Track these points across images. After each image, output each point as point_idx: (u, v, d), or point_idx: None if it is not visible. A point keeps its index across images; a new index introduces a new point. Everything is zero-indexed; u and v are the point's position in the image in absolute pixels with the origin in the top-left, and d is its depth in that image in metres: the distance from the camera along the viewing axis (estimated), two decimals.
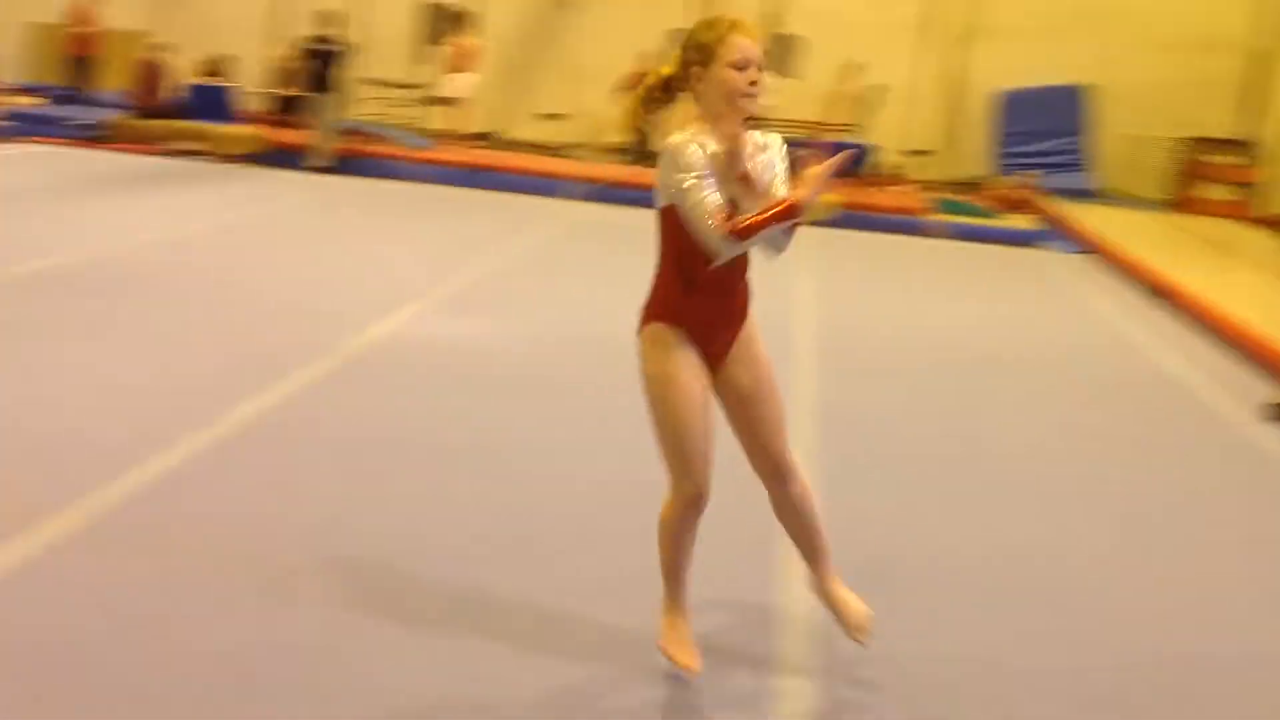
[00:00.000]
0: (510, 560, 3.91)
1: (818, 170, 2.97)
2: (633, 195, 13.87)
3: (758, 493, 3.32)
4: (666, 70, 3.15)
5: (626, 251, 10.54)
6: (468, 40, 15.70)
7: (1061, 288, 10.79)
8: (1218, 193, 18.13)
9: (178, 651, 3.14)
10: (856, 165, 16.09)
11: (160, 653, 3.13)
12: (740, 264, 3.17)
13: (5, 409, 4.90)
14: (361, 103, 16.56)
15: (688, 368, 3.12)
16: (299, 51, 14.44)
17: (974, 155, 19.01)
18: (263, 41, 15.97)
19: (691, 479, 3.12)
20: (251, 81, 17.54)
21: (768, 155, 3.15)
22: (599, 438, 5.26)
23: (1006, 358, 7.68)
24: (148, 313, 6.70)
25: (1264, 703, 3.46)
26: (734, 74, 3.01)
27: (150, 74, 14.93)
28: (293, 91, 16.13)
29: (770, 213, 2.99)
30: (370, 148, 14.98)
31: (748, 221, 2.99)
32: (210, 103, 16.14)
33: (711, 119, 3.06)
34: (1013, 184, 16.40)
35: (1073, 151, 18.37)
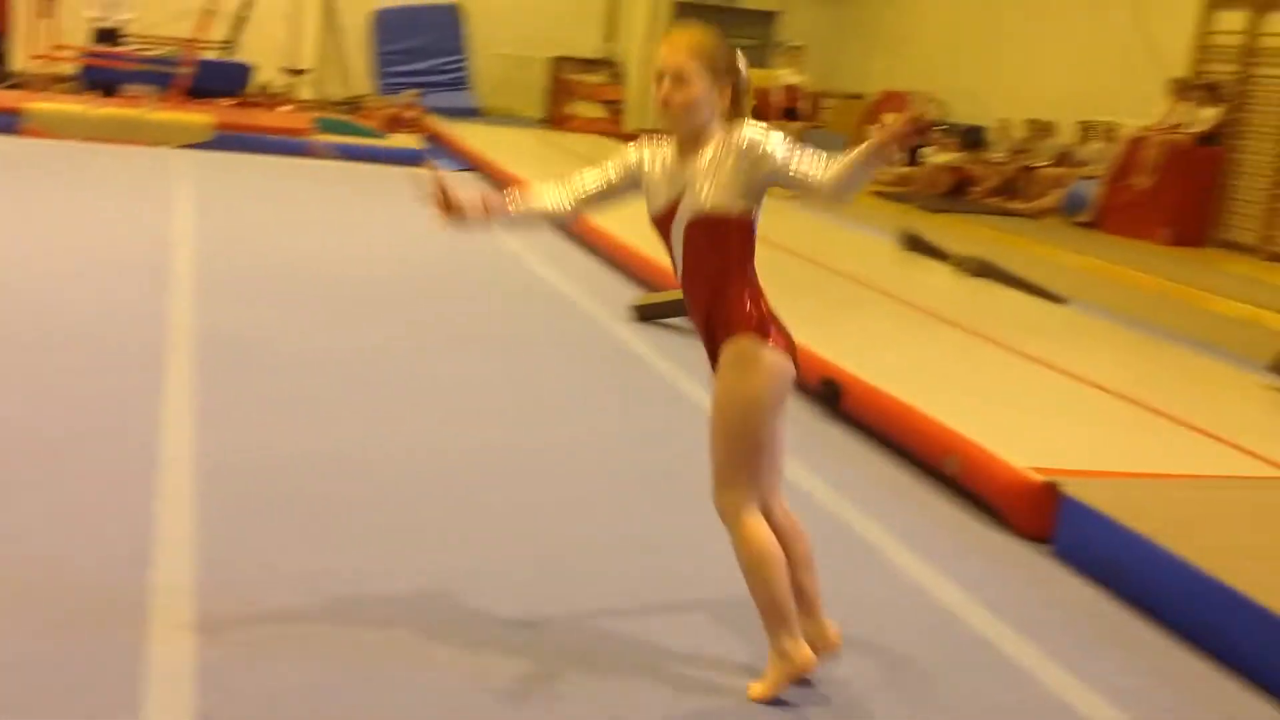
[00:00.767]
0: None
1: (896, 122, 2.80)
2: None
3: None
4: None
5: None
6: None
7: None
8: (588, 110, 19.27)
9: None
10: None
11: None
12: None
13: None
14: None
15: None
16: None
17: (355, 74, 18.94)
18: None
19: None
20: None
21: (733, 156, 2.96)
22: None
23: (400, 273, 7.75)
24: None
25: (638, 577, 3.74)
26: (654, 86, 2.97)
27: None
28: None
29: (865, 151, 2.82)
30: None
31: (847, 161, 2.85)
32: None
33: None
34: (395, 103, 16.51)
35: (452, 70, 18.77)
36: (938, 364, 6.13)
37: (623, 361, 6.30)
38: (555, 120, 19.08)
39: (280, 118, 14.75)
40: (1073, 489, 4.21)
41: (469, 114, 18.03)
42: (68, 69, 15.46)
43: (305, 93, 17.93)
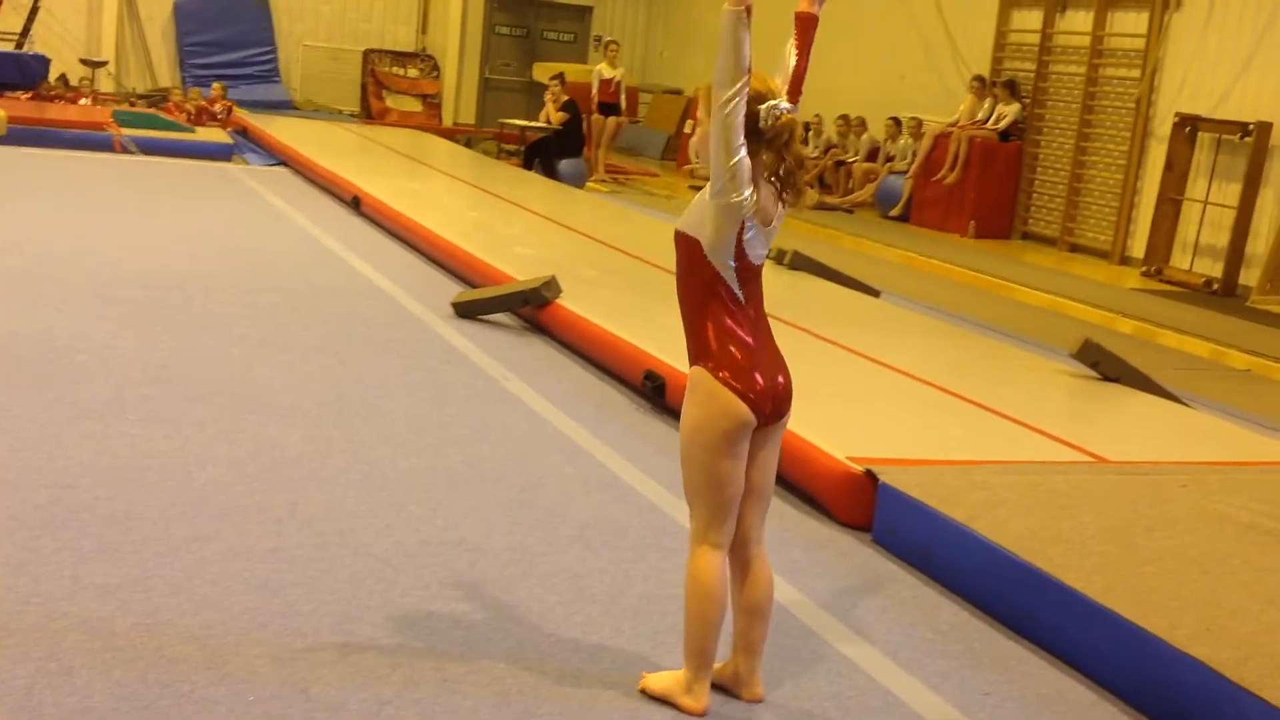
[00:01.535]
0: None
1: None
2: None
3: None
4: None
5: None
6: None
7: (257, 200, 10.74)
8: (405, 104, 19.01)
9: None
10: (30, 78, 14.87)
11: None
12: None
13: None
14: None
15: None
16: None
17: (158, 66, 18.32)
18: None
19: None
20: None
21: None
22: None
23: (204, 271, 7.50)
24: None
25: (454, 577, 3.69)
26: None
27: None
28: None
29: None
30: None
31: None
32: None
33: None
34: (201, 96, 16.03)
35: (260, 63, 18.31)
36: None
37: (444, 358, 6.21)
38: (370, 114, 18.76)
39: (79, 111, 14.15)
40: (889, 477, 4.31)
41: (280, 107, 17.62)
42: None
43: (106, 85, 17.26)
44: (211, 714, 2.80)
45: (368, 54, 19.16)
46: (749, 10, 2.80)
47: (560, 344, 6.57)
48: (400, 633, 3.30)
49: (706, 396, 2.94)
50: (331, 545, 3.80)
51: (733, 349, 2.95)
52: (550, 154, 14.17)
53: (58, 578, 3.37)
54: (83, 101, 15.13)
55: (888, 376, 5.98)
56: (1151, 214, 11.97)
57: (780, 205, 2.98)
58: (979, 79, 13.79)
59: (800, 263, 8.79)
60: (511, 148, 16.03)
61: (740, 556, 3.08)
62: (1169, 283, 11.41)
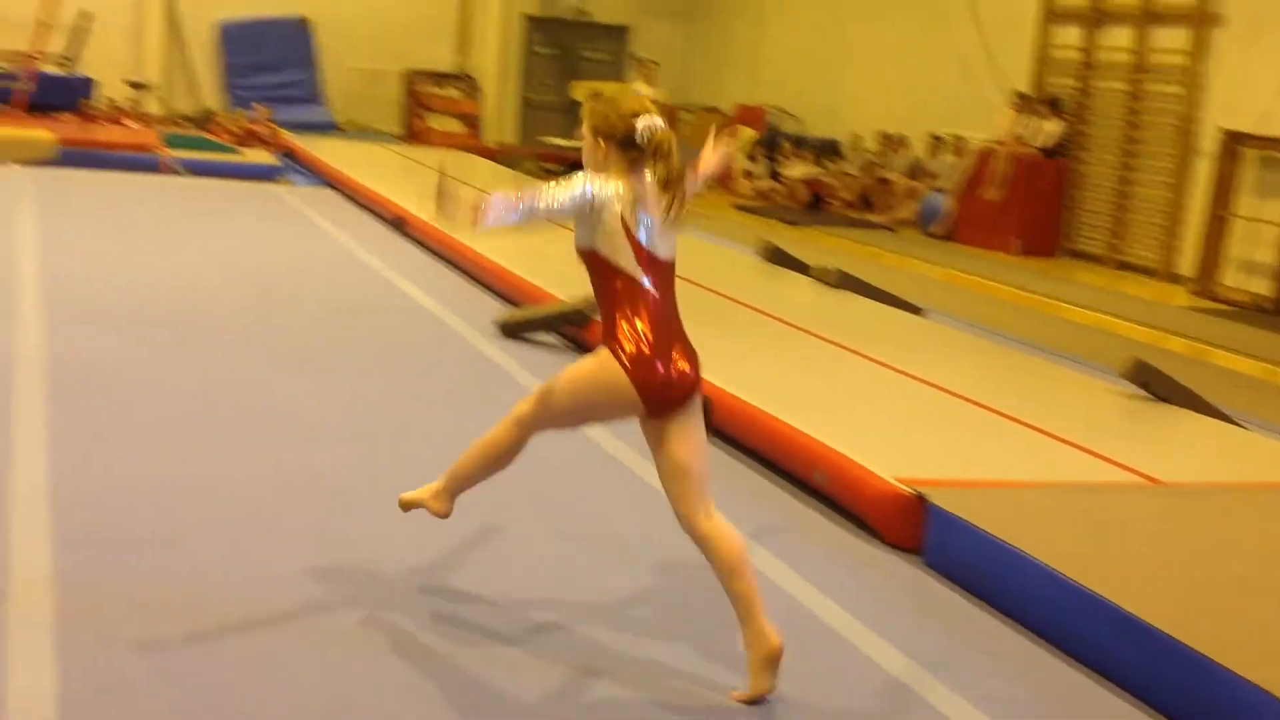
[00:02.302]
0: None
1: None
2: None
3: None
4: None
5: None
6: None
7: (303, 221, 10.82)
8: (445, 124, 19.10)
9: None
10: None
11: None
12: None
13: None
14: None
15: None
16: None
17: (203, 88, 18.49)
18: None
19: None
20: None
21: None
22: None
23: (250, 292, 7.55)
24: None
25: (493, 592, 3.69)
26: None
27: None
28: None
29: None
30: None
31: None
32: None
33: None
34: (246, 118, 16.17)
35: (303, 84, 18.44)
36: (802, 376, 6.19)
37: (488, 376, 6.22)
38: (412, 135, 18.86)
39: (127, 133, 14.31)
40: (939, 499, 4.27)
41: (324, 129, 17.74)
42: None
43: (152, 107, 17.45)
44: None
45: (408, 75, 19.29)
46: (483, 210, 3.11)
47: None
48: (442, 658, 3.29)
49: (601, 367, 3.24)
50: (382, 569, 3.80)
51: (638, 338, 3.22)
52: None
53: (112, 598, 3.39)
54: (129, 123, 15.28)
55: (934, 396, 5.94)
56: (1199, 231, 11.86)
57: (672, 208, 3.29)
58: (1021, 95, 13.72)
59: (844, 281, 8.76)
60: (552, 166, 16.08)
61: (697, 533, 3.23)
62: (1218, 300, 11.29)
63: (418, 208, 10.45)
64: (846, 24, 16.54)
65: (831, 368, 6.44)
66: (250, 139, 15.41)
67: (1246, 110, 11.54)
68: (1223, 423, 6.09)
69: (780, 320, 7.40)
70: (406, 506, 3.60)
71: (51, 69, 15.26)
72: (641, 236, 3.26)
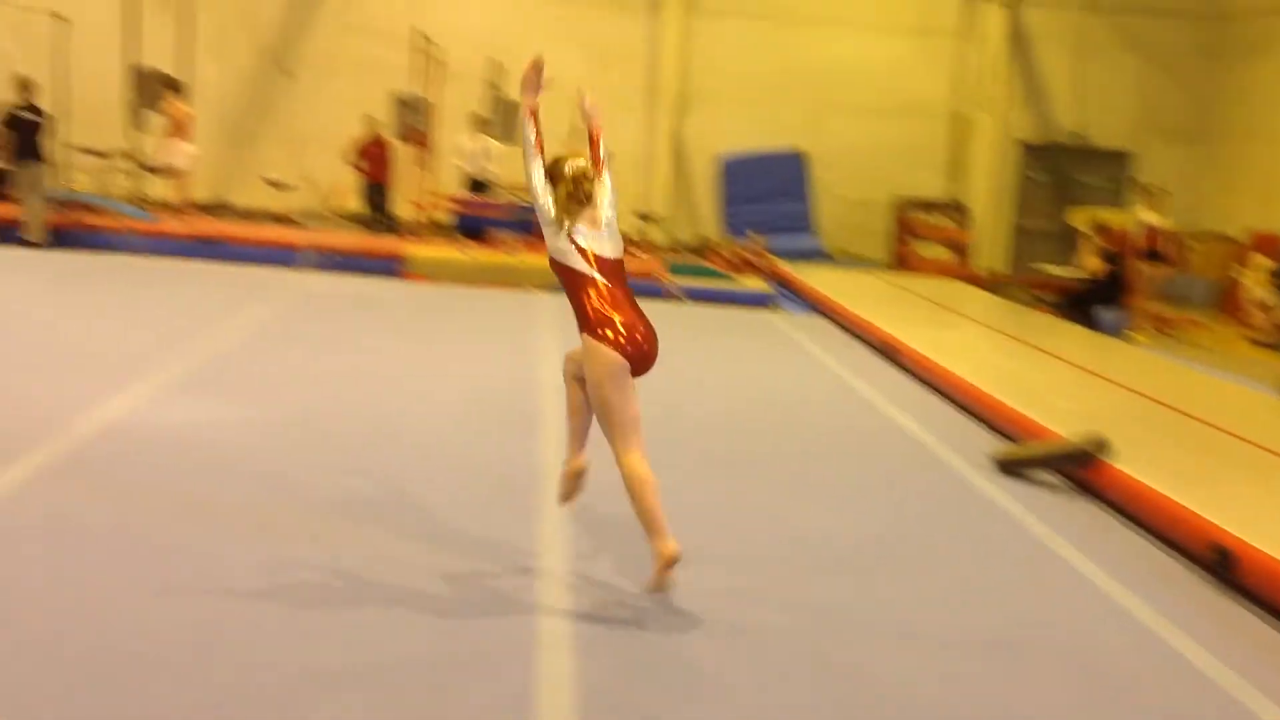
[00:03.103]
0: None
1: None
2: (366, 264, 13.63)
3: None
4: None
5: (362, 322, 10.35)
6: (181, 107, 15.13)
7: (794, 347, 11.08)
8: (933, 251, 19.09)
9: None
10: None
11: None
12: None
13: None
14: (72, 172, 15.75)
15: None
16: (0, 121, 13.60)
17: (702, 218, 19.49)
18: None
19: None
20: None
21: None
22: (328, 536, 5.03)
23: (747, 417, 7.79)
24: None
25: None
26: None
27: None
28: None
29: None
30: (86, 220, 14.24)
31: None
32: None
33: None
34: (741, 246, 16.84)
35: (796, 214, 19.02)
36: None
37: (982, 512, 6.07)
38: (899, 262, 18.98)
39: (633, 261, 15.27)
40: None
41: (815, 256, 18.18)
42: (442, 216, 16.58)
43: (656, 236, 18.56)
44: None
45: (897, 203, 19.48)
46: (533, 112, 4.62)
47: (1109, 506, 6.24)
48: None
49: (599, 355, 4.38)
50: (885, 705, 3.76)
51: (612, 324, 4.40)
52: (1089, 303, 13.73)
53: (634, 715, 3.53)
54: (637, 252, 16.31)
55: None
56: None
57: (596, 218, 4.58)
58: None
59: None
60: (1045, 295, 15.66)
61: (625, 466, 4.40)
62: None
63: (908, 335, 10.46)
64: None
65: None
66: (744, 266, 16.04)
67: None
68: None
69: None
70: (664, 575, 4.34)
71: None
72: (582, 240, 4.50)
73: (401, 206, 16.83)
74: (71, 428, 5.98)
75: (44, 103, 13.72)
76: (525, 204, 16.04)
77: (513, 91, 17.46)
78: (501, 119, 16.48)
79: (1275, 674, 4.33)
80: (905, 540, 5.53)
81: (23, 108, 13.45)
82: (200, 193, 17.10)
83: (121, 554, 4.46)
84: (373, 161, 16.60)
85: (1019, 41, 19.52)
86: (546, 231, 4.55)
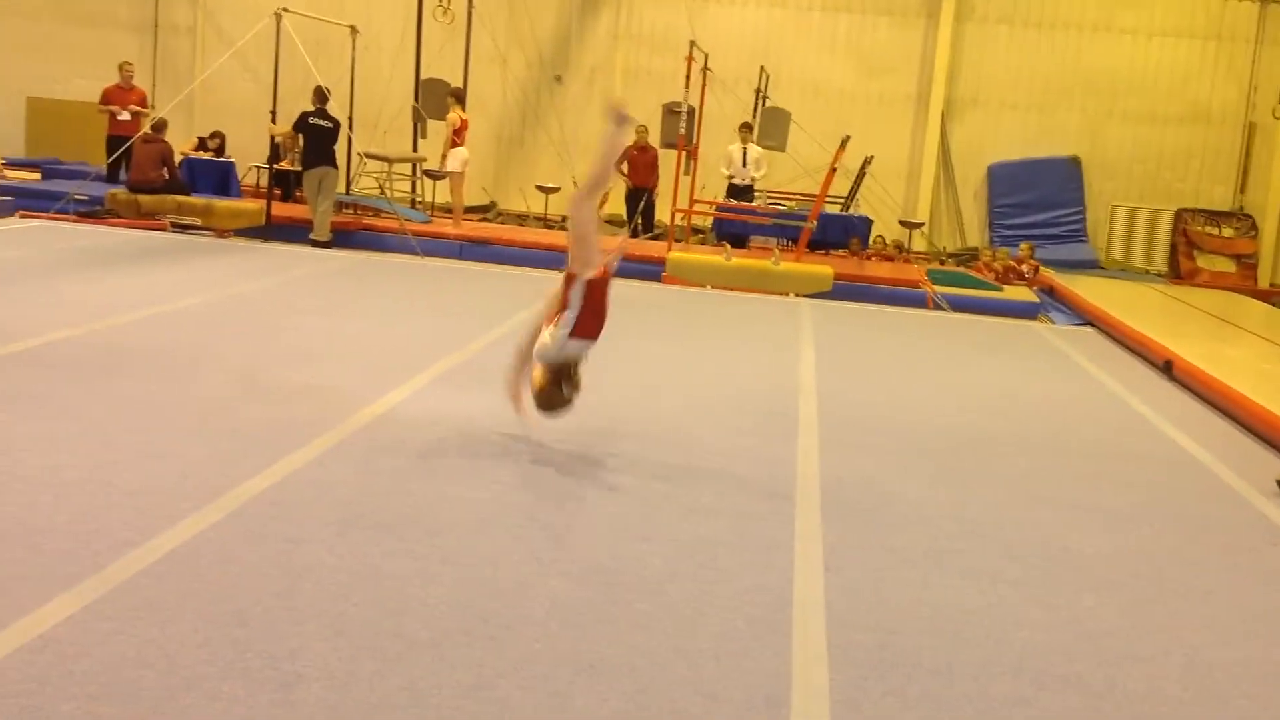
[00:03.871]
0: (498, 640, 3.80)
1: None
2: (632, 267, 13.88)
3: None
4: None
5: (623, 321, 10.50)
6: (460, 114, 15.74)
7: (1063, 360, 10.71)
8: (1216, 264, 18.18)
9: None
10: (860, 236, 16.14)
11: None
12: None
13: (4, 484, 4.81)
14: (359, 177, 16.62)
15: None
16: (296, 127, 14.46)
17: (969, 226, 19.09)
18: (259, 117, 16.03)
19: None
20: (249, 156, 17.61)
21: None
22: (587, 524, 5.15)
23: (1012, 429, 7.58)
24: (152, 387, 6.61)
25: None
26: None
27: (149, 149, 14.91)
28: (290, 166, 16.18)
29: None
30: (369, 222, 14.99)
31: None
32: (209, 177, 16.19)
33: None
34: (1008, 255, 16.40)
35: (1067, 223, 18.45)
36: None
37: (1271, 540, 5.73)
38: (1178, 275, 18.14)
39: (895, 269, 15.09)
40: None
41: (1084, 266, 17.58)
42: (703, 222, 16.74)
43: (918, 245, 18.28)
44: None
45: (1179, 213, 18.62)
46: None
47: None
48: None
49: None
50: None
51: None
52: None
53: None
54: (899, 260, 16.10)
55: None
56: None
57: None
58: None
59: None
60: None
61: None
62: None
63: (1186, 350, 9.98)
64: None
65: None
66: (1010, 276, 15.61)
67: None
68: None
69: None
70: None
71: (834, 210, 16.50)
72: None
73: (664, 212, 17.09)
74: (392, 409, 6.32)
75: (335, 110, 14.52)
76: (786, 210, 16.08)
77: (779, 99, 17.54)
78: (767, 126, 16.53)
79: None
80: (1178, 563, 5.27)
81: (317, 115, 14.27)
82: (473, 197, 17.76)
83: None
84: (637, 168, 16.89)
85: None
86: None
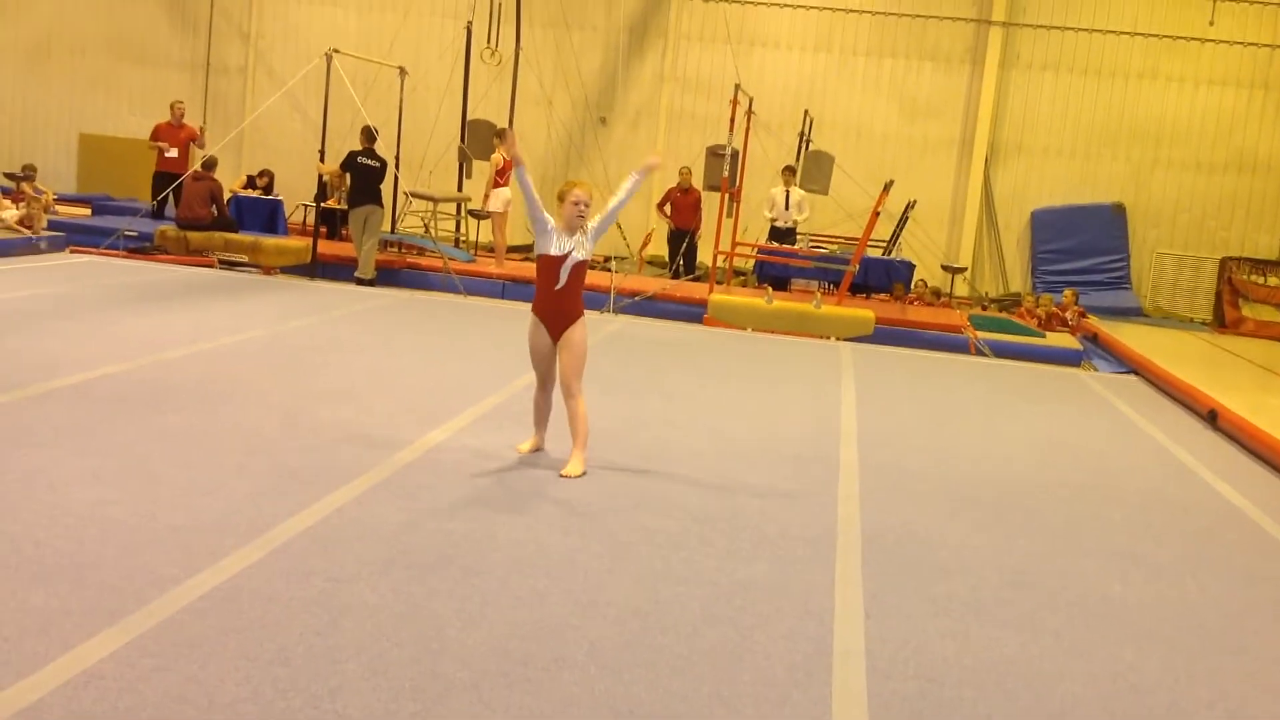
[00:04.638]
0: (542, 681, 3.80)
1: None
2: (673, 309, 13.91)
3: None
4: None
5: (664, 362, 10.56)
6: (505, 156, 15.84)
7: (1106, 408, 10.64)
8: (1263, 314, 18.02)
9: None
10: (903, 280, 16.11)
11: None
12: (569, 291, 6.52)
13: (52, 519, 4.87)
14: (404, 216, 16.76)
15: (538, 336, 6.58)
16: (344, 166, 14.62)
17: (1012, 272, 19.03)
18: (307, 155, 16.22)
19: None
20: (296, 195, 17.80)
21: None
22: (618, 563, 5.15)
23: (1055, 478, 7.54)
24: (197, 423, 6.69)
25: None
26: (570, 206, 6.44)
27: (198, 187, 15.12)
28: (336, 204, 16.34)
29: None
30: (413, 260, 15.11)
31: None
32: (256, 215, 16.38)
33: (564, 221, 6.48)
34: (1052, 302, 16.33)
35: (1111, 270, 18.37)
36: None
37: None
38: (1224, 324, 17.99)
39: (936, 314, 15.05)
40: None
41: (1128, 314, 17.48)
42: (745, 264, 16.75)
43: (960, 290, 18.23)
44: None
45: (1225, 261, 18.49)
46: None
47: None
48: None
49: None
50: None
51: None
52: None
53: None
54: (939, 305, 16.05)
55: None
56: None
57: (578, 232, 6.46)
58: None
59: None
60: None
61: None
62: None
63: (1231, 400, 9.89)
64: None
65: None
66: (1052, 322, 15.53)
67: None
68: None
69: None
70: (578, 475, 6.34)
71: (876, 253, 16.49)
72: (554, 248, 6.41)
73: (706, 254, 17.14)
74: (433, 444, 6.36)
75: (383, 150, 14.68)
76: (829, 253, 16.09)
77: (823, 143, 17.58)
78: (810, 169, 16.57)
79: None
80: (1223, 617, 5.21)
81: (365, 154, 14.43)
82: (516, 236, 17.87)
83: None
84: (680, 209, 16.96)
85: None
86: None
